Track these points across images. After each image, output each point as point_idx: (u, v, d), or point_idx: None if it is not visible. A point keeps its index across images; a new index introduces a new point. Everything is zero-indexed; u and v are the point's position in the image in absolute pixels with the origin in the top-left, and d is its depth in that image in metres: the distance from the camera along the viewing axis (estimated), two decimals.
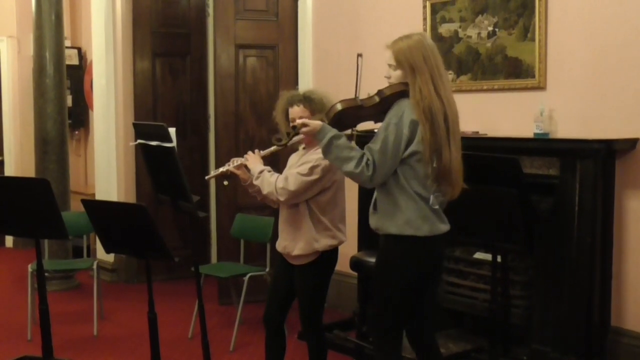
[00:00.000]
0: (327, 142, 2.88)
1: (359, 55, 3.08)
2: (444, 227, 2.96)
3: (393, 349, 3.05)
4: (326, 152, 2.93)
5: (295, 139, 3.20)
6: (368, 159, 2.84)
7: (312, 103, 3.38)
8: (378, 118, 3.02)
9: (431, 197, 2.89)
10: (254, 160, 3.44)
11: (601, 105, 3.94)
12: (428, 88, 2.81)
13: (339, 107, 2.98)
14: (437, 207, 2.92)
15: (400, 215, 2.89)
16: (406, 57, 2.87)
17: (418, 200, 2.88)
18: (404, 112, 2.84)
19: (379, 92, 2.97)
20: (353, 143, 3.10)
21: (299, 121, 3.04)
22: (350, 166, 2.86)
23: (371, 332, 3.12)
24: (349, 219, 3.60)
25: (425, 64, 2.84)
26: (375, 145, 2.85)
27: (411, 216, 2.88)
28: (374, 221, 3.02)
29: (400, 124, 2.83)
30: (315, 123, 2.95)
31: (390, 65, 2.95)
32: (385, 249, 3.02)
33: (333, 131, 2.91)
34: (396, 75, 2.93)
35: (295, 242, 3.40)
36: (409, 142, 2.83)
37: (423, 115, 2.79)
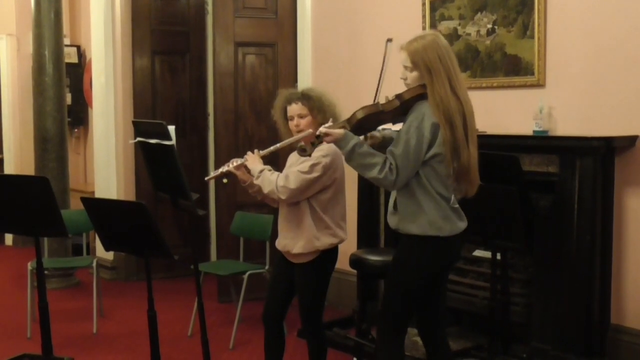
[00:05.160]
0: (350, 150, 2.90)
1: (389, 40, 3.04)
2: (463, 224, 3.00)
3: (397, 344, 3.08)
4: (349, 160, 2.94)
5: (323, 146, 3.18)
6: (391, 164, 2.85)
7: (310, 100, 3.38)
8: (397, 120, 3.04)
9: (452, 197, 2.92)
10: (253, 160, 3.43)
11: (600, 102, 3.93)
12: (445, 89, 2.83)
13: (360, 114, 2.98)
14: (457, 205, 2.96)
15: (423, 216, 2.91)
16: (422, 58, 2.87)
17: (440, 201, 2.90)
18: (425, 114, 2.85)
19: (399, 96, 2.96)
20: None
21: (322, 130, 2.99)
22: (374, 172, 2.87)
23: (378, 326, 3.14)
24: (348, 217, 3.60)
25: (440, 63, 2.85)
26: (397, 149, 2.86)
27: (433, 217, 2.90)
28: (394, 221, 3.04)
29: (422, 127, 2.84)
30: (338, 132, 2.94)
31: (406, 67, 2.94)
32: (405, 248, 3.03)
33: (355, 139, 2.92)
34: (413, 76, 2.93)
35: (295, 241, 3.40)
36: (431, 144, 2.85)
37: (443, 117, 2.81)
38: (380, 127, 3.14)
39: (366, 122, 3.01)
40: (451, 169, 2.87)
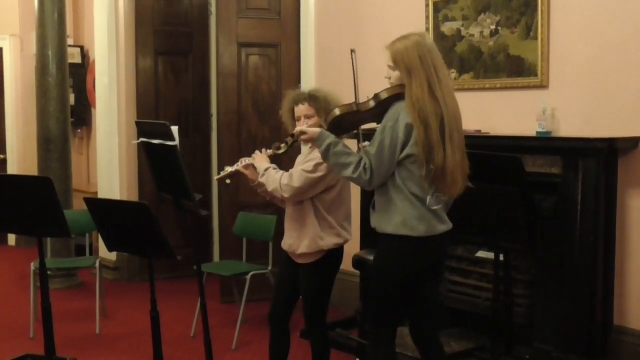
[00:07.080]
0: (325, 149, 2.96)
1: (352, 51, 3.09)
2: (443, 227, 2.97)
3: (387, 345, 3.07)
4: (325, 159, 3.00)
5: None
6: (365, 164, 2.88)
7: (317, 101, 3.40)
8: (378, 120, 3.04)
9: (428, 198, 2.90)
10: (260, 159, 3.46)
11: (604, 103, 3.93)
12: (423, 90, 2.82)
13: (336, 112, 3.03)
14: (435, 207, 2.93)
15: (397, 215, 2.91)
16: (402, 58, 2.88)
17: (414, 201, 2.89)
18: (400, 115, 2.86)
19: (375, 96, 2.99)
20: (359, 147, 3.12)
21: (297, 129, 3.10)
22: (348, 172, 2.91)
23: (367, 328, 3.14)
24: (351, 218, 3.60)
25: (421, 65, 2.84)
26: (372, 149, 2.88)
27: (407, 217, 2.89)
28: (373, 220, 3.06)
29: (396, 127, 2.85)
30: (314, 130, 3.03)
31: (389, 67, 2.97)
32: (382, 248, 3.04)
33: (331, 138, 2.96)
34: (395, 76, 2.94)
35: (300, 240, 3.40)
36: (405, 145, 2.86)
37: (418, 118, 2.81)
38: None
39: (344, 121, 3.04)
40: (424, 170, 2.85)
